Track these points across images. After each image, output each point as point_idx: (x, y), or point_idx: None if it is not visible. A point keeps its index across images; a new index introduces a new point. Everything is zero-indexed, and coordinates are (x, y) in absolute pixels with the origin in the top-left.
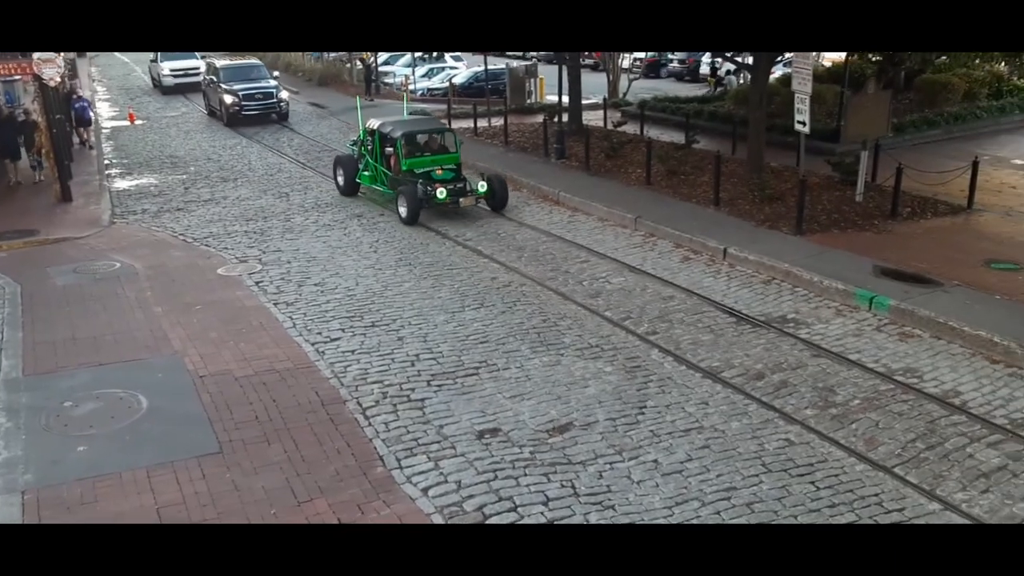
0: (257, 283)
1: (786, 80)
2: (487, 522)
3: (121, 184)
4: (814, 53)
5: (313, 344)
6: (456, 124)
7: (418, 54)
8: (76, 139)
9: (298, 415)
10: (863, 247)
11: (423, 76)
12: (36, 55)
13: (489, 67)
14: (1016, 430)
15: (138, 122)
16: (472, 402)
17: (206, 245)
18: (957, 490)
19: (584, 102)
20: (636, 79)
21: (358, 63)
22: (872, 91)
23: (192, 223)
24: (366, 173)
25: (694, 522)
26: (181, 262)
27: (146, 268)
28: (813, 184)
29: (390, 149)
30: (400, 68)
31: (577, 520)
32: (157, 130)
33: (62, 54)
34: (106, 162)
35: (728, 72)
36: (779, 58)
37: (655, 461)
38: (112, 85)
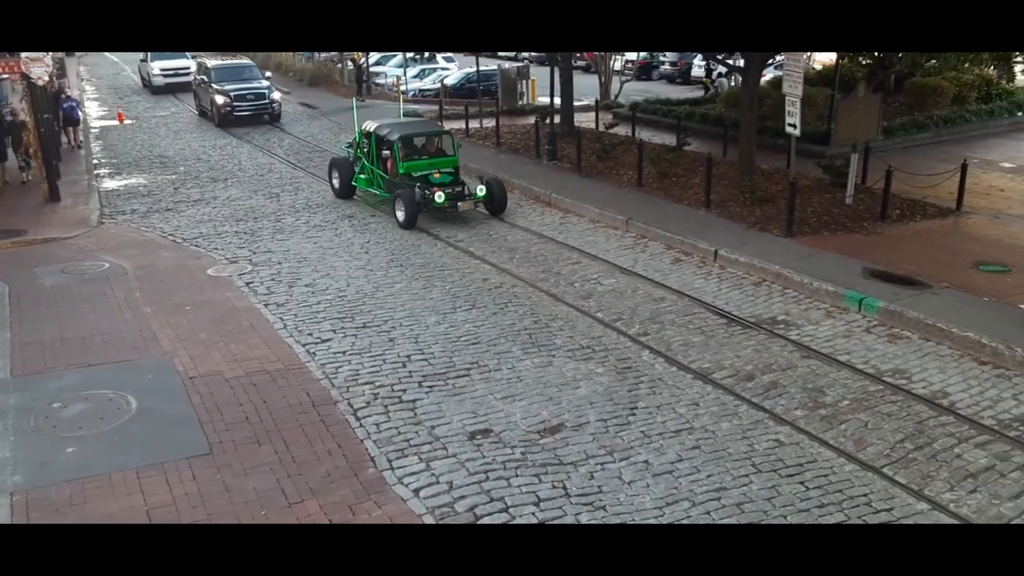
0: (247, 284)
1: (777, 83)
2: (478, 523)
3: (110, 184)
4: (805, 56)
5: (304, 345)
6: (447, 125)
7: (410, 55)
8: (64, 139)
9: (289, 416)
10: (853, 249)
11: (414, 77)
12: (24, 54)
13: (481, 68)
14: (1003, 431)
15: (127, 122)
16: (463, 403)
17: (196, 245)
18: (945, 490)
19: (576, 104)
20: (628, 81)
21: (349, 63)
22: (862, 94)
23: (182, 223)
24: (362, 176)
25: (685, 522)
26: (170, 262)
27: (135, 268)
28: (803, 186)
29: (387, 152)
30: (391, 69)
31: (568, 520)
32: (146, 130)
33: (50, 53)
34: (95, 162)
35: (719, 75)
36: (770, 61)
37: (646, 462)
38: (101, 84)
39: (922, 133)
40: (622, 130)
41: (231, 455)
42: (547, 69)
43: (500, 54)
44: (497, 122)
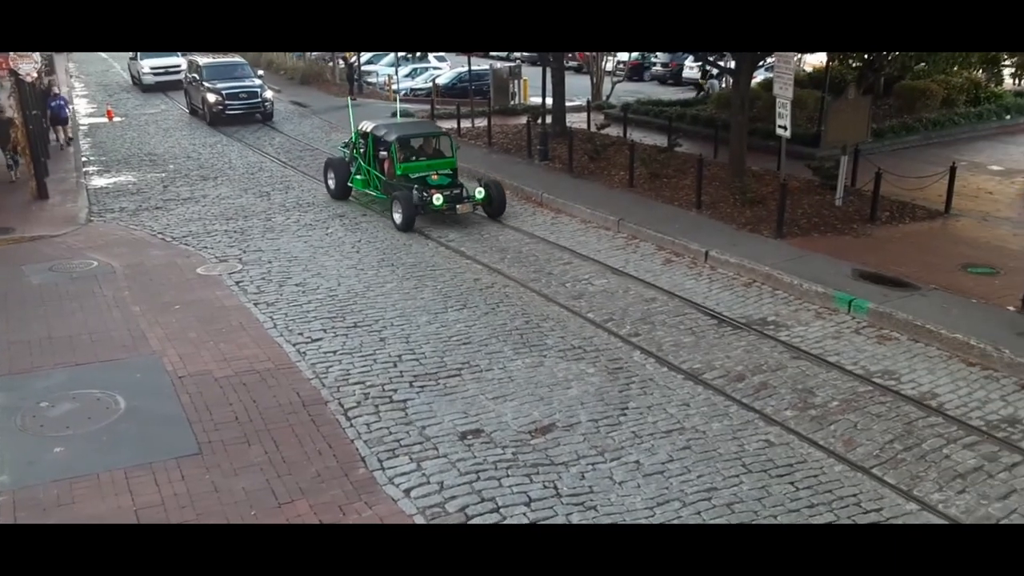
0: (237, 283)
1: (768, 85)
2: (470, 523)
3: (99, 182)
4: (796, 58)
5: (294, 344)
6: (439, 125)
7: (401, 54)
8: (53, 136)
9: (279, 416)
10: (842, 251)
11: (406, 76)
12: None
13: (473, 68)
14: (991, 431)
15: (117, 119)
16: (455, 403)
17: (185, 244)
18: (934, 491)
19: (568, 104)
20: (619, 82)
21: (340, 62)
22: (852, 97)
23: (171, 222)
24: (359, 177)
25: (675, 522)
26: (159, 261)
27: (124, 267)
28: (794, 188)
29: (384, 153)
30: (383, 68)
31: (559, 520)
32: (136, 127)
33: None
34: (83, 159)
35: (711, 76)
36: (761, 62)
37: (637, 462)
38: (90, 81)
39: (911, 136)
40: (614, 131)
41: (220, 455)
42: (539, 69)
43: (492, 54)
44: (489, 122)
